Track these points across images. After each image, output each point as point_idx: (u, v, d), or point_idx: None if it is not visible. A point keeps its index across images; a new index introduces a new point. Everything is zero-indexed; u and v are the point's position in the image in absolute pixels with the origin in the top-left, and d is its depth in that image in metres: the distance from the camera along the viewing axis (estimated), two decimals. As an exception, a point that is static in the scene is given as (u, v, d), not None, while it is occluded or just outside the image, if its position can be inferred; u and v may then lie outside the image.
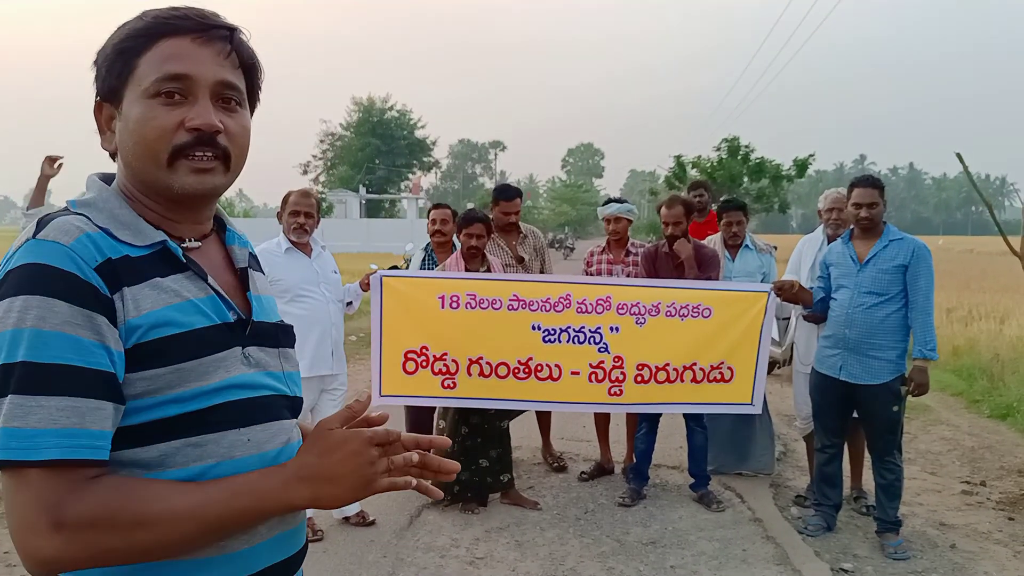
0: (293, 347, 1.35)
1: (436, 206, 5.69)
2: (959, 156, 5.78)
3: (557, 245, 45.04)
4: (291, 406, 1.29)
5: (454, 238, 5.61)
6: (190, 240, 1.23)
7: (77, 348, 1.02)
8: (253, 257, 1.38)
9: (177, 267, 1.17)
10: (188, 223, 1.23)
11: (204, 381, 1.12)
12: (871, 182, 4.45)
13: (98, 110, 1.20)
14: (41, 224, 1.09)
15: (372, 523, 4.65)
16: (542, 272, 5.78)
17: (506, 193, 5.78)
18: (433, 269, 5.43)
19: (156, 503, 1.04)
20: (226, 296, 1.22)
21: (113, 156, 1.22)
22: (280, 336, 1.31)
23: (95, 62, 1.19)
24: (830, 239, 5.10)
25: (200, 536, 1.08)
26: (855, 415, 4.62)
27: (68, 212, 1.14)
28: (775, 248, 5.83)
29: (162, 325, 1.10)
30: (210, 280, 1.20)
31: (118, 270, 1.08)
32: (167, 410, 1.10)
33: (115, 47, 1.16)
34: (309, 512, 4.45)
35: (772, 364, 9.00)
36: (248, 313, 1.25)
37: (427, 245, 5.66)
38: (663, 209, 5.23)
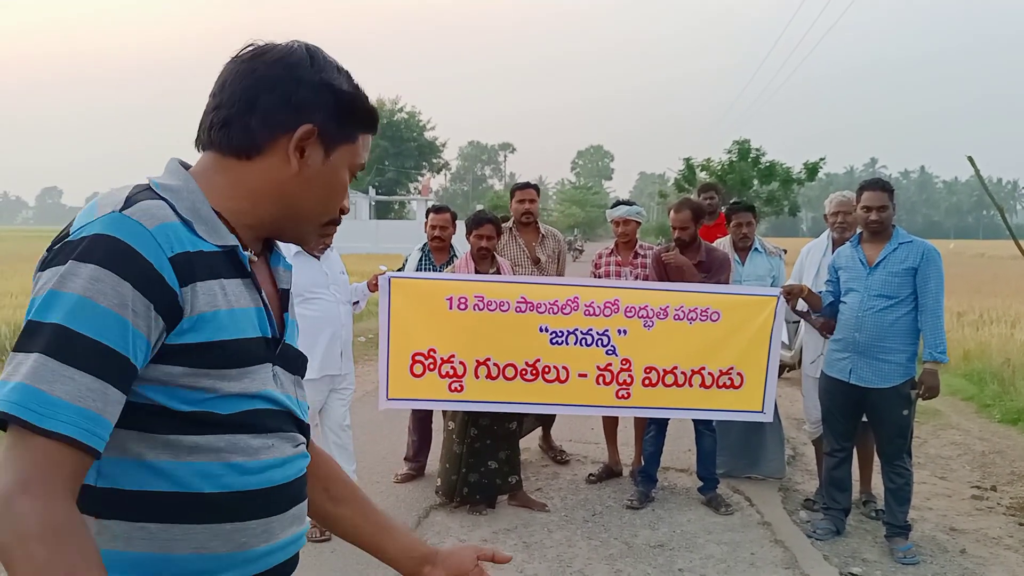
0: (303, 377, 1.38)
1: (436, 210, 5.65)
2: (970, 159, 5.75)
3: (567, 247, 45.05)
4: (302, 431, 1.29)
5: (452, 242, 5.66)
6: (250, 252, 1.23)
7: (124, 334, 1.01)
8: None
9: (240, 273, 1.18)
10: (252, 240, 1.25)
11: (243, 388, 1.15)
12: (880, 185, 4.43)
13: (307, 135, 1.18)
14: (130, 201, 1.09)
15: (380, 524, 4.64)
16: (558, 275, 5.86)
17: (519, 184, 6.08)
18: (429, 270, 5.46)
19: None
20: (271, 312, 1.23)
21: (237, 155, 1.19)
22: (300, 365, 1.33)
23: (316, 85, 1.18)
24: (836, 243, 5.09)
25: None
26: (864, 419, 4.61)
27: (151, 192, 1.13)
28: (784, 251, 5.81)
29: (219, 327, 1.12)
30: (263, 293, 1.22)
31: (193, 264, 1.09)
32: (209, 406, 1.11)
33: (344, 104, 1.21)
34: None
35: (782, 368, 8.99)
36: (281, 333, 1.26)
37: (424, 245, 5.67)
38: (671, 213, 5.22)
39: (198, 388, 1.10)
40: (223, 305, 1.12)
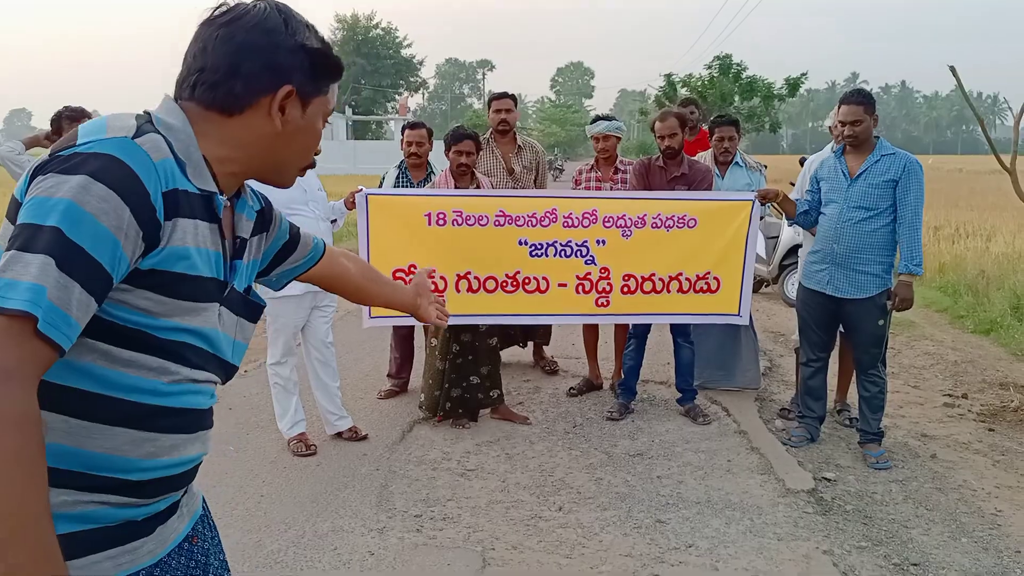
0: (254, 323, 1.47)
1: (412, 126, 5.61)
2: (952, 69, 5.71)
3: (547, 159, 44.82)
4: (225, 372, 1.39)
5: (430, 160, 5.62)
6: (225, 199, 1.34)
7: (114, 254, 1.10)
8: (263, 213, 1.52)
9: (211, 218, 1.29)
10: (232, 185, 1.36)
11: (186, 320, 1.25)
12: (855, 99, 4.36)
13: (287, 95, 1.30)
14: (140, 131, 1.19)
15: (364, 438, 4.72)
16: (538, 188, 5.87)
17: (496, 93, 6.01)
18: (407, 188, 5.43)
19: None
20: (227, 258, 1.35)
21: (220, 111, 1.28)
22: (243, 307, 1.42)
23: (292, 48, 1.29)
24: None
25: None
26: (841, 330, 4.67)
27: (153, 126, 1.22)
28: (765, 167, 5.80)
29: (185, 261, 1.22)
30: (225, 240, 1.34)
31: (179, 201, 1.20)
32: (151, 328, 1.21)
33: (317, 61, 1.32)
34: (303, 428, 4.53)
35: (759, 283, 9.11)
36: (229, 278, 1.38)
37: (401, 163, 5.63)
38: (656, 124, 5.15)
39: (148, 311, 1.19)
40: (192, 243, 1.23)
